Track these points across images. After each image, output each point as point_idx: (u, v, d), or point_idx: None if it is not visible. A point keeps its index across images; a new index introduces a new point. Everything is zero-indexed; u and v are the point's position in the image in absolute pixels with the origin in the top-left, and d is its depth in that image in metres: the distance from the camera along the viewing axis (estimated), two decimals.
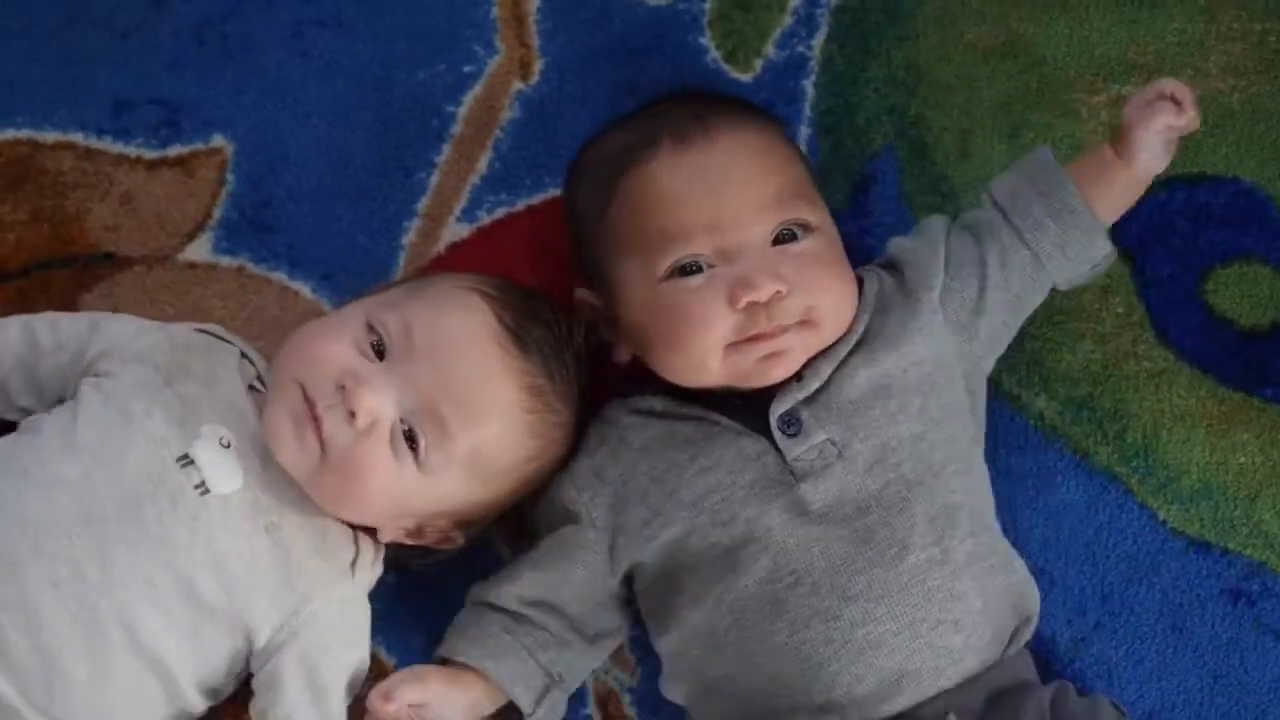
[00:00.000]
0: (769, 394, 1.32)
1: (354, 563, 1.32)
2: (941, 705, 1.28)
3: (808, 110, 1.52)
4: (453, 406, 1.26)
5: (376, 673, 1.40)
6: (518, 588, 1.35)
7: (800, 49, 1.53)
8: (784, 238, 1.32)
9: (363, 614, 1.34)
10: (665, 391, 1.36)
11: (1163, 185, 1.47)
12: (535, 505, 1.39)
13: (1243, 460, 1.44)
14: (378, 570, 1.35)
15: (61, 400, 1.34)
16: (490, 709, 1.35)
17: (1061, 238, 1.36)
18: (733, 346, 1.30)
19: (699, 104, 1.38)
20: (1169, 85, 1.33)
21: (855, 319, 1.34)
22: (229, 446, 1.28)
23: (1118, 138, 1.36)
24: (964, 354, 1.37)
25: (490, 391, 1.28)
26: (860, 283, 1.36)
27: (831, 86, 1.52)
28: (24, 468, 1.26)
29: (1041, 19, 1.52)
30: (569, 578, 1.35)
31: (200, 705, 1.30)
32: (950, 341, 1.36)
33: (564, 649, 1.36)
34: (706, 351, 1.30)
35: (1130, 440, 1.45)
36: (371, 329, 1.28)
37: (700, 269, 1.30)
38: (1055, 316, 1.46)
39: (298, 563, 1.28)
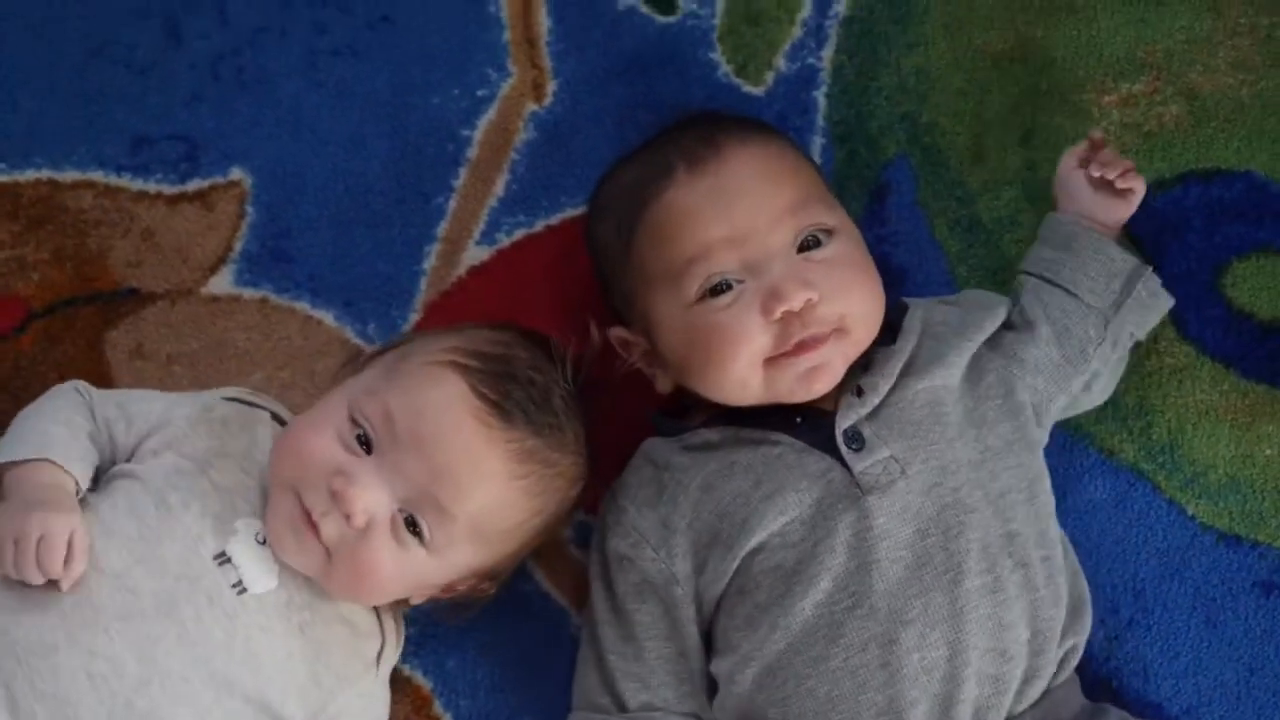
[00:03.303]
0: (831, 411, 1.32)
1: (380, 654, 1.33)
2: None
3: (820, 121, 1.52)
4: (445, 489, 1.25)
5: (414, 694, 1.41)
6: (664, 685, 1.34)
7: (810, 60, 1.53)
8: (808, 244, 1.32)
9: (382, 703, 1.35)
10: (721, 419, 1.35)
11: (1177, 181, 1.48)
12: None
13: (1269, 452, 1.44)
14: (398, 652, 1.36)
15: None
16: None
17: (1075, 261, 1.38)
18: (771, 362, 1.30)
19: (707, 125, 1.39)
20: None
21: (903, 337, 1.35)
22: (264, 543, 1.28)
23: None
24: (1026, 386, 1.37)
25: (478, 468, 1.27)
26: (904, 309, 1.37)
27: (843, 97, 1.53)
28: None
29: (1050, 21, 1.52)
30: (692, 647, 1.34)
31: None
32: (1006, 374, 1.37)
33: None
34: (747, 368, 1.30)
35: (1155, 437, 1.45)
36: (355, 422, 1.28)
37: (730, 286, 1.31)
38: None
39: (327, 660, 1.28)
